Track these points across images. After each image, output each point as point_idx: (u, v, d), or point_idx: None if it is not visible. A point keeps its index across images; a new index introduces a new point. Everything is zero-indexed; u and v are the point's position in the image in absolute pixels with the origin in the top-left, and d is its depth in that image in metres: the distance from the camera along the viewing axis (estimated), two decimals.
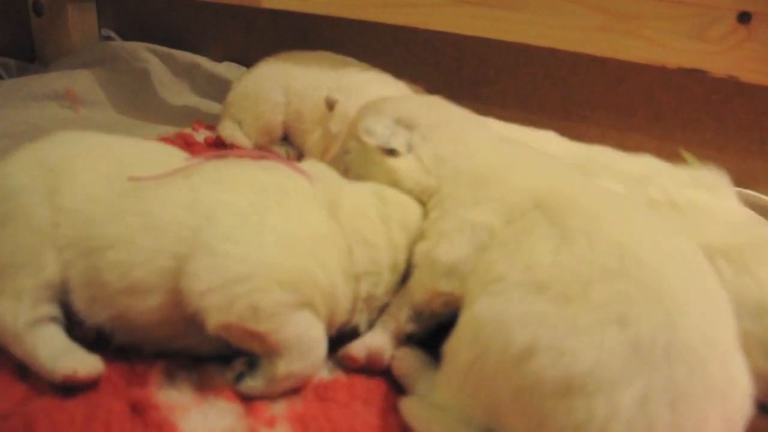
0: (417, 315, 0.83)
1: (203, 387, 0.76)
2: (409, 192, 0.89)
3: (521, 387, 0.60)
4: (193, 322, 0.73)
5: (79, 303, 0.76)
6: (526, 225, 0.73)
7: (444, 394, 0.69)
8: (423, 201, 0.88)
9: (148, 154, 0.87)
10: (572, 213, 0.70)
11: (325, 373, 0.81)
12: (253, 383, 0.75)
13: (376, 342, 0.82)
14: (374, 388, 0.79)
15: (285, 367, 0.74)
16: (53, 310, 0.75)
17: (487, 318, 0.65)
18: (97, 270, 0.74)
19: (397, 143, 0.90)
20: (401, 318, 0.83)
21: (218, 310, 0.71)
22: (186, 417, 0.71)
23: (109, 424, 0.67)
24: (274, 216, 0.77)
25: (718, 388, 0.58)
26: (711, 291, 0.66)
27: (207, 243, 0.73)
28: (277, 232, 0.76)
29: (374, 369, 0.81)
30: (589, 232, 0.67)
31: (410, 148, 0.90)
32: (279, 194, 0.80)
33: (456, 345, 0.69)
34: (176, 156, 0.88)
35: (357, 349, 0.81)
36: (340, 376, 0.81)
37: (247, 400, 0.75)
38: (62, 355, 0.73)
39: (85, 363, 0.73)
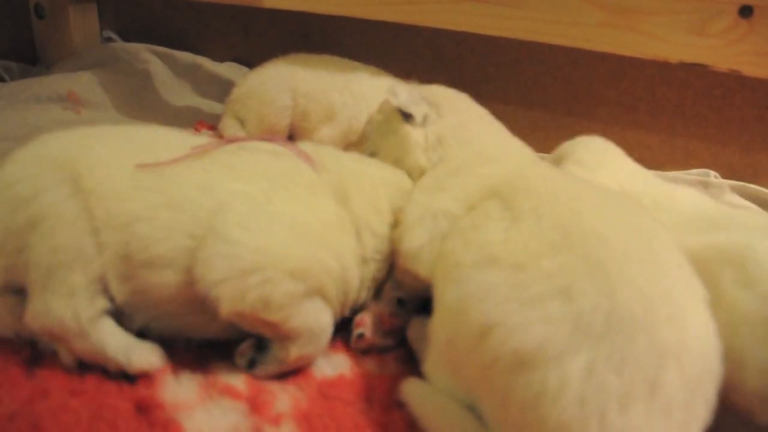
0: (405, 291, 0.89)
1: (208, 385, 0.76)
2: (415, 166, 0.96)
3: (484, 364, 0.63)
4: (202, 302, 0.75)
5: (111, 281, 0.76)
6: (482, 211, 0.77)
7: (430, 368, 0.73)
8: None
9: (148, 136, 0.88)
10: (524, 196, 0.74)
11: (329, 371, 0.81)
12: (265, 368, 0.79)
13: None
14: (378, 385, 0.79)
15: (296, 352, 0.78)
16: (105, 302, 0.76)
17: (452, 301, 0.69)
18: (126, 244, 0.75)
19: (416, 111, 0.97)
20: (390, 297, 0.90)
21: (230, 300, 0.73)
22: (191, 415, 0.71)
23: (115, 423, 0.68)
24: (284, 204, 0.79)
25: (668, 351, 0.60)
26: (661, 257, 0.68)
27: (220, 230, 0.74)
28: (289, 221, 0.78)
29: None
30: (538, 212, 0.71)
31: (425, 122, 0.97)
32: (288, 182, 0.83)
33: (434, 326, 0.72)
34: (182, 137, 0.89)
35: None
36: (345, 373, 0.81)
37: (252, 398, 0.75)
38: (132, 349, 0.76)
39: (154, 355, 0.77)
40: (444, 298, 0.71)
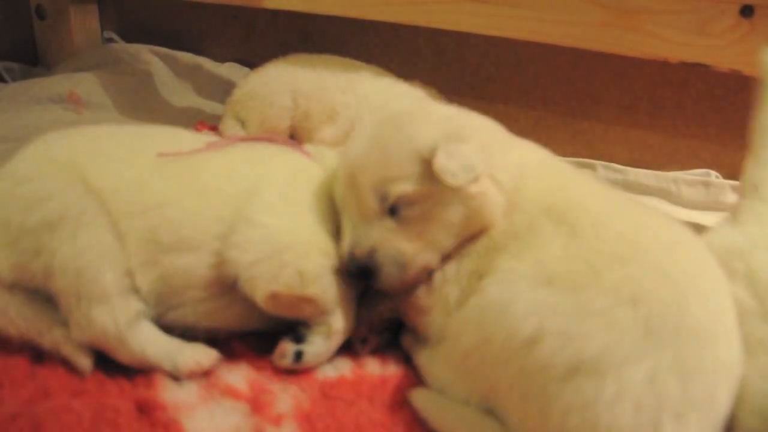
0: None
1: (209, 386, 0.76)
2: (488, 219, 0.77)
3: (524, 372, 0.62)
4: (227, 289, 0.78)
5: (136, 271, 0.77)
6: (532, 229, 0.74)
7: (440, 368, 0.73)
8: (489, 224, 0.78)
9: (154, 134, 0.91)
10: (579, 212, 0.73)
11: (330, 372, 0.81)
12: (314, 349, 0.80)
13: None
14: (379, 385, 0.79)
15: (337, 323, 0.80)
16: (139, 303, 0.77)
17: (493, 304, 0.67)
18: (152, 229, 0.77)
19: (482, 168, 0.75)
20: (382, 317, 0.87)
21: (267, 281, 0.76)
22: (192, 416, 0.71)
23: (116, 424, 0.68)
24: (303, 190, 0.83)
25: (725, 365, 0.61)
26: (712, 275, 0.69)
27: (250, 216, 0.78)
28: (309, 205, 0.82)
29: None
30: (596, 226, 0.70)
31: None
32: (302, 172, 0.87)
33: (460, 326, 0.71)
34: (188, 136, 0.93)
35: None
36: (346, 374, 0.81)
37: (254, 398, 0.75)
38: (177, 353, 0.77)
39: (201, 354, 0.78)
40: (484, 298, 0.69)
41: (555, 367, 0.60)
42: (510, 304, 0.66)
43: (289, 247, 0.77)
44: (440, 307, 0.77)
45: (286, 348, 0.80)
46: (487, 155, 0.76)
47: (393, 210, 0.77)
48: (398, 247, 0.77)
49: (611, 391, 0.58)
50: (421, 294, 0.79)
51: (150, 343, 0.76)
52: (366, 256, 0.77)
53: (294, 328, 0.81)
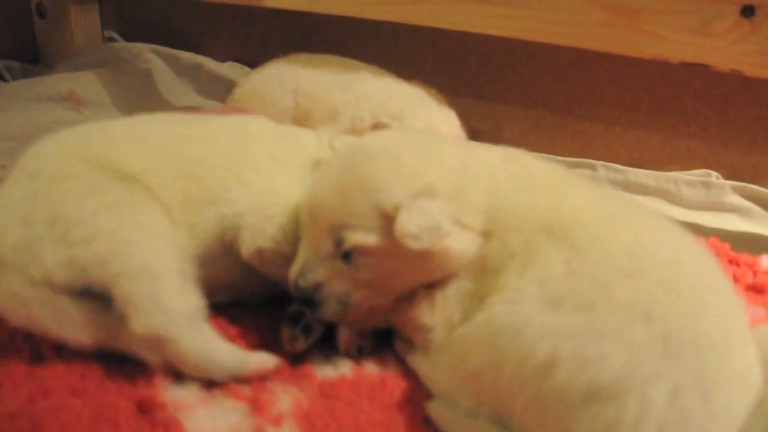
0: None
1: (210, 385, 0.76)
2: (449, 270, 0.76)
3: (541, 397, 0.61)
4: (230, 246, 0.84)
5: (182, 234, 0.81)
6: (531, 247, 0.71)
7: (442, 375, 0.73)
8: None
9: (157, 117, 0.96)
10: (578, 226, 0.70)
11: (330, 372, 0.81)
12: (315, 317, 0.81)
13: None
14: (379, 385, 0.79)
15: None
16: (198, 296, 0.76)
17: (504, 327, 0.65)
18: (187, 190, 0.83)
19: (448, 226, 0.71)
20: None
21: (253, 234, 0.82)
22: (192, 416, 0.71)
23: (116, 423, 0.68)
24: (291, 157, 0.90)
25: (741, 377, 0.61)
26: (722, 286, 0.68)
27: (240, 175, 0.86)
28: (295, 172, 0.87)
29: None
30: (600, 239, 0.68)
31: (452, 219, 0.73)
32: (292, 136, 0.95)
33: (469, 345, 0.69)
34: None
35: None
36: (346, 374, 0.81)
37: (254, 398, 0.75)
38: (241, 354, 0.77)
39: (265, 357, 0.78)
40: (493, 319, 0.67)
41: (573, 392, 0.59)
42: (520, 327, 0.63)
43: (273, 203, 0.84)
44: (443, 326, 0.76)
45: (293, 331, 0.82)
46: (456, 205, 0.74)
47: (346, 255, 0.75)
48: (345, 290, 0.77)
49: (633, 413, 0.57)
50: (424, 313, 0.77)
51: (219, 342, 0.75)
52: (310, 289, 0.76)
53: (286, 317, 0.83)
